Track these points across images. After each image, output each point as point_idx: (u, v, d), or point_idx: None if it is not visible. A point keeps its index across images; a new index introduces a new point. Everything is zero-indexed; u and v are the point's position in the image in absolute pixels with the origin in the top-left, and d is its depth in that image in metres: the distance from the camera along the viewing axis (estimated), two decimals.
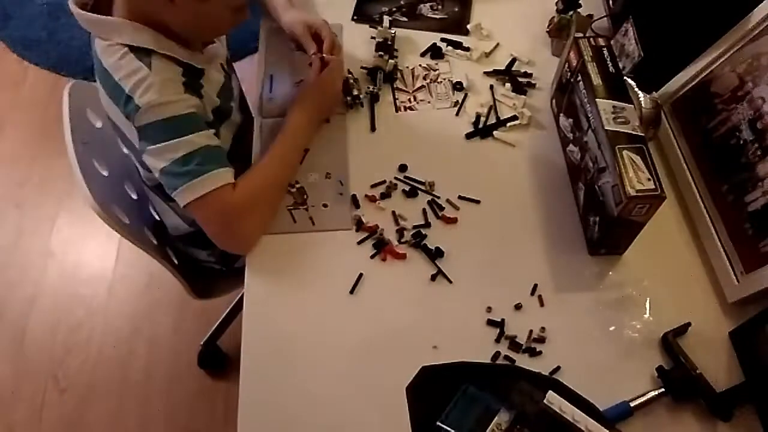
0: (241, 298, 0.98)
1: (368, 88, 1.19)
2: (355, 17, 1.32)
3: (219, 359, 1.72)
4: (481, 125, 1.16)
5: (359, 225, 1.03)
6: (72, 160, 1.07)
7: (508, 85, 1.20)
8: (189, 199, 0.95)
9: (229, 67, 1.18)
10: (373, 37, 1.25)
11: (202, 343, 1.70)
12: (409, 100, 1.20)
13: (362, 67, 1.22)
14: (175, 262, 1.28)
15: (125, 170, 1.25)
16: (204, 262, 1.34)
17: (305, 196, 1.06)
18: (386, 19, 1.29)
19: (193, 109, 0.96)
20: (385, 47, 1.22)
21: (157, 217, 1.32)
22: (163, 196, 1.15)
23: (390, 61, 1.21)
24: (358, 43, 1.26)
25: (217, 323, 1.67)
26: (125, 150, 1.12)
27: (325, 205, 1.05)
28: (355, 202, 1.06)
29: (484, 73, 1.23)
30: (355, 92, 1.17)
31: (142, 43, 0.93)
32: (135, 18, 0.94)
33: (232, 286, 1.38)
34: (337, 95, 1.16)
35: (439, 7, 1.34)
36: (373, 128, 1.16)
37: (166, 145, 0.93)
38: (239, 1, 0.97)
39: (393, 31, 1.24)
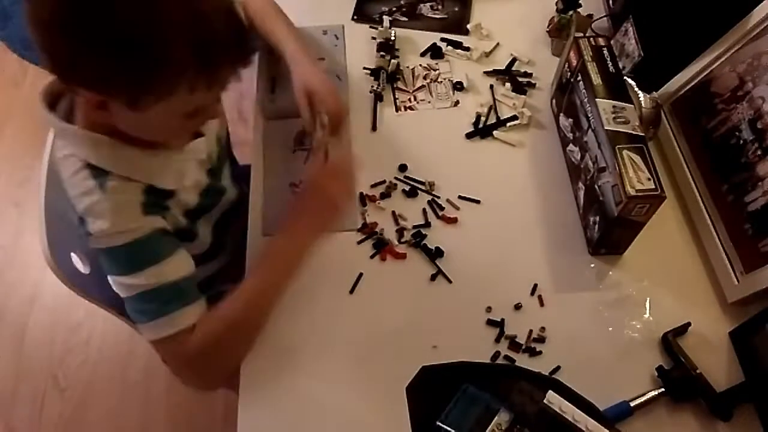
0: None
1: (371, 87, 1.19)
2: (355, 17, 1.32)
3: None
4: (481, 125, 1.16)
5: (364, 225, 1.03)
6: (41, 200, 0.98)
7: (508, 84, 1.20)
8: (150, 338, 0.84)
9: (222, 160, 1.05)
10: (373, 38, 1.25)
11: None
12: (410, 99, 1.20)
13: (364, 68, 1.22)
14: None
15: None
16: None
17: None
18: (386, 19, 1.29)
19: (153, 231, 0.83)
20: (387, 47, 1.22)
21: None
22: None
23: (392, 61, 1.21)
24: (358, 44, 1.26)
25: None
26: None
27: None
28: (362, 201, 1.06)
29: (484, 72, 1.23)
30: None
31: (99, 162, 0.81)
32: (92, 126, 0.81)
33: None
34: (345, 203, 0.94)
35: (439, 7, 1.34)
36: (374, 128, 1.16)
37: (125, 281, 0.82)
38: (189, 107, 0.78)
39: (393, 32, 1.24)
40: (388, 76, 1.21)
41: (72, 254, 1.03)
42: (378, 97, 1.18)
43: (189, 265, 0.87)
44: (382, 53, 1.21)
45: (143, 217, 0.83)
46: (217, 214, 1.07)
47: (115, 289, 0.84)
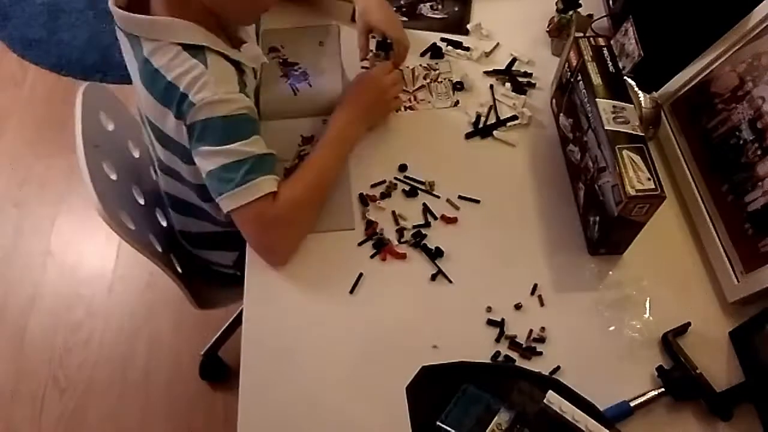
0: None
1: None
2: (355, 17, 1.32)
3: (220, 370, 1.70)
4: (481, 125, 1.16)
5: (369, 224, 1.03)
6: (81, 164, 1.04)
7: (508, 84, 1.20)
8: (231, 206, 0.94)
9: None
10: (373, 37, 1.25)
11: (202, 353, 1.68)
12: (410, 99, 1.20)
13: (363, 68, 1.22)
14: (179, 270, 1.26)
15: (134, 175, 1.23)
16: (216, 265, 1.32)
17: None
18: None
19: (246, 110, 0.94)
20: (386, 46, 1.22)
21: (163, 223, 1.30)
22: (198, 195, 1.12)
23: None
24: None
25: (219, 333, 1.65)
26: (136, 155, 1.10)
27: (327, 205, 1.05)
28: (363, 202, 1.06)
29: (484, 72, 1.23)
30: None
31: (195, 40, 0.92)
32: (179, 14, 0.92)
33: (236, 296, 1.28)
34: (385, 94, 1.12)
35: (439, 6, 1.34)
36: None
37: (218, 149, 0.92)
38: None
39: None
40: None
41: (103, 165, 1.11)
42: None
43: (266, 147, 0.97)
44: (382, 53, 1.21)
45: (239, 93, 0.94)
46: None
47: (200, 162, 0.95)
